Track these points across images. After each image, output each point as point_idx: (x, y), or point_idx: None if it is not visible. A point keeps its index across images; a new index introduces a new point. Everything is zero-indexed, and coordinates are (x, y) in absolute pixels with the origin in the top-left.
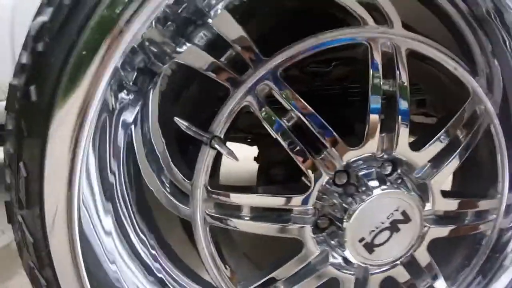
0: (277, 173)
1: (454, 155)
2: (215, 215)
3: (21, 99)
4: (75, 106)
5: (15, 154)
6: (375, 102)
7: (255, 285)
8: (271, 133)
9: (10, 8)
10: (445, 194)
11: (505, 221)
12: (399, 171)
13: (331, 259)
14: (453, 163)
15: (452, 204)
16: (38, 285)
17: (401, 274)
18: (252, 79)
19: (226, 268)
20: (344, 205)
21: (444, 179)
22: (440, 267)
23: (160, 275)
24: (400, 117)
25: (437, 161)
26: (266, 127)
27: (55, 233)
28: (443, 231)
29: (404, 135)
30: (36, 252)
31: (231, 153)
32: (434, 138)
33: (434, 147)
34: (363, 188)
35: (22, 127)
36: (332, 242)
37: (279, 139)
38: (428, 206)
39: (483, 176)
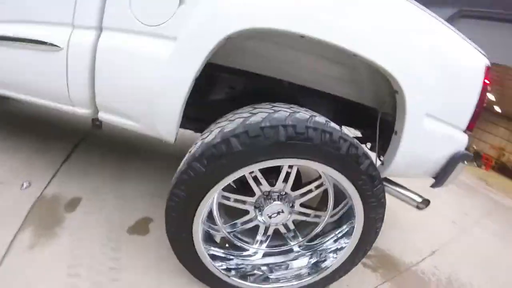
0: (245, 187)
1: (305, 197)
2: (221, 197)
3: None
4: None
5: None
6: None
7: (230, 223)
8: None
9: None
10: (302, 205)
11: (330, 220)
12: (285, 195)
13: (258, 218)
14: (306, 198)
15: (304, 211)
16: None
17: (282, 229)
18: None
19: (220, 215)
20: (265, 203)
21: (302, 201)
22: (302, 230)
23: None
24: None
25: (302, 195)
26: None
27: None
28: (301, 217)
29: (289, 186)
30: None
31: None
32: (302, 189)
33: (299, 192)
34: (272, 200)
35: None
36: (259, 213)
37: (250, 182)
38: (295, 208)
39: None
